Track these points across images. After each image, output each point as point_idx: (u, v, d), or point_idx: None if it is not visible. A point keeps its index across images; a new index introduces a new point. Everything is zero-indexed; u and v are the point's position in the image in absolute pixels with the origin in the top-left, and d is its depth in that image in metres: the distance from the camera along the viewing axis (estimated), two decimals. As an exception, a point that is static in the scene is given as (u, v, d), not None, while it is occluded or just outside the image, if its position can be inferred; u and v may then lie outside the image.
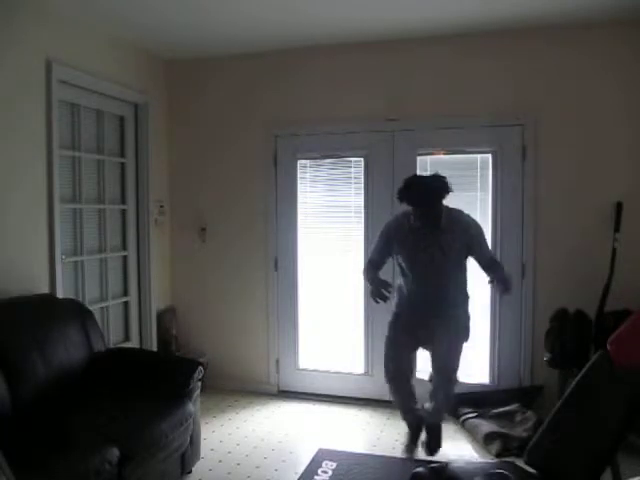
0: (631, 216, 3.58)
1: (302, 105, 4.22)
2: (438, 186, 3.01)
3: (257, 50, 4.20)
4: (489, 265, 3.13)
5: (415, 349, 3.34)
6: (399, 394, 3.31)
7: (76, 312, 3.11)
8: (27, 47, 3.14)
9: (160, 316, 4.42)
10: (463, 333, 3.20)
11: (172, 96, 4.53)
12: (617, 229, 3.58)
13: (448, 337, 3.15)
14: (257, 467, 3.20)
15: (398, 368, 3.26)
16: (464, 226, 3.12)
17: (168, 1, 3.29)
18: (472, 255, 3.16)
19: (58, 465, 2.11)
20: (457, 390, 3.91)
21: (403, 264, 3.23)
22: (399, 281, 3.33)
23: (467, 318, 3.22)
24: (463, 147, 4.01)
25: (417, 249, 3.13)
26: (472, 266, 3.24)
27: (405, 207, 3.16)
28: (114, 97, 3.95)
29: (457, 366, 3.20)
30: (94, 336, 3.11)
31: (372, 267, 3.29)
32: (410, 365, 3.36)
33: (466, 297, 3.25)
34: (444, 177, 3.04)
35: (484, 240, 3.19)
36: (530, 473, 2.27)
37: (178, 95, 4.53)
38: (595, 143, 3.69)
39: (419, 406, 3.32)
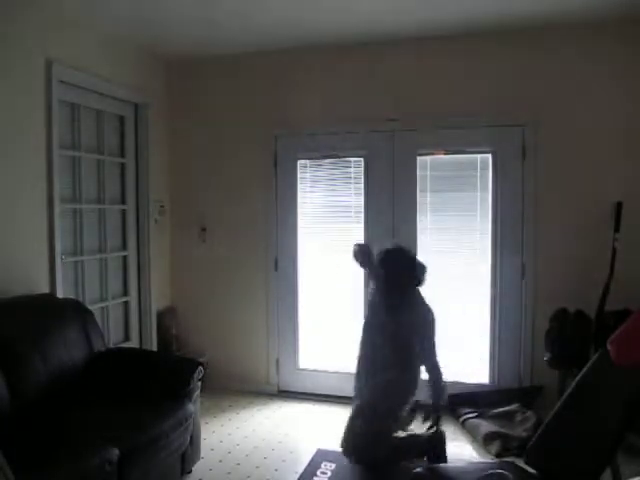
0: (631, 216, 3.58)
1: (302, 105, 4.22)
2: (415, 276, 3.06)
3: (257, 50, 4.20)
4: (430, 368, 3.06)
5: None
6: None
7: (76, 312, 3.11)
8: (27, 47, 3.14)
9: (160, 316, 4.42)
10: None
11: (172, 96, 4.53)
12: (617, 229, 3.58)
13: None
14: (257, 467, 3.20)
15: None
16: (420, 310, 3.07)
17: (168, 1, 3.29)
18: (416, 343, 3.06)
19: (58, 465, 2.11)
20: (457, 390, 3.94)
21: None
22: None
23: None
24: (463, 147, 4.01)
25: (372, 321, 3.13)
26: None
27: None
28: (114, 97, 3.95)
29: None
30: (94, 336, 3.11)
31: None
32: None
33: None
34: (425, 268, 3.10)
35: (432, 334, 3.06)
36: (530, 473, 2.27)
37: (178, 95, 4.53)
38: (595, 143, 3.69)
39: None
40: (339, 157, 4.21)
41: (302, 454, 3.36)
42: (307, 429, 3.76)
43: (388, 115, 4.03)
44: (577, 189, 3.74)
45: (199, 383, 3.06)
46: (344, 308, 4.27)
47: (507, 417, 3.58)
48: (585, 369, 2.36)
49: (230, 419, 3.90)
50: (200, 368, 3.04)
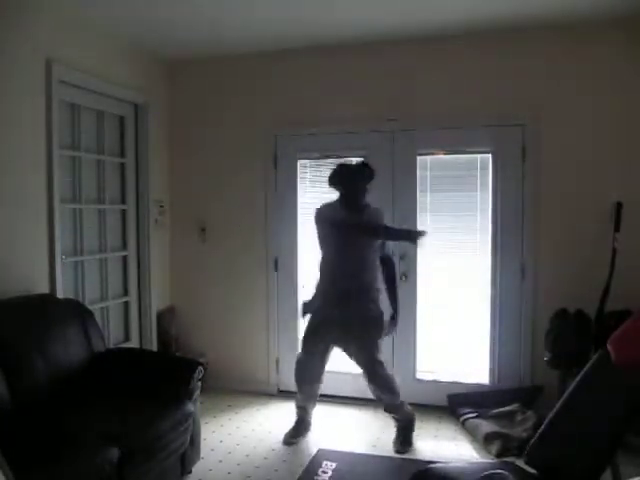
0: (631, 216, 3.58)
1: (302, 105, 4.22)
2: (366, 171, 3.39)
3: (257, 50, 4.20)
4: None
5: (328, 352, 3.48)
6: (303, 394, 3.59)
7: (76, 312, 3.11)
8: (27, 47, 3.14)
9: (160, 316, 4.42)
10: (378, 330, 3.39)
11: (172, 96, 4.53)
12: (617, 229, 3.58)
13: (364, 341, 3.35)
14: (257, 467, 3.20)
15: (310, 378, 3.51)
16: (377, 213, 3.44)
17: (168, 2, 3.29)
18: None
19: (58, 465, 2.11)
20: (457, 390, 3.94)
21: (324, 250, 3.45)
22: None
23: (380, 312, 3.39)
24: (463, 147, 4.01)
25: (340, 232, 3.35)
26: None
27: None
28: (114, 97, 3.95)
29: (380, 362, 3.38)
30: (94, 336, 3.11)
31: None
32: (322, 370, 3.53)
33: (378, 290, 3.42)
34: (368, 164, 3.45)
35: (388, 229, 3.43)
36: (530, 473, 2.27)
37: (178, 95, 4.53)
38: (595, 143, 3.69)
39: None
40: (339, 157, 4.20)
41: (302, 454, 3.36)
42: (307, 429, 3.75)
43: (388, 115, 4.03)
44: (577, 189, 3.73)
45: (199, 383, 3.06)
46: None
47: (507, 417, 3.58)
48: (585, 369, 2.35)
49: (230, 419, 3.90)
50: (200, 368, 3.03)
